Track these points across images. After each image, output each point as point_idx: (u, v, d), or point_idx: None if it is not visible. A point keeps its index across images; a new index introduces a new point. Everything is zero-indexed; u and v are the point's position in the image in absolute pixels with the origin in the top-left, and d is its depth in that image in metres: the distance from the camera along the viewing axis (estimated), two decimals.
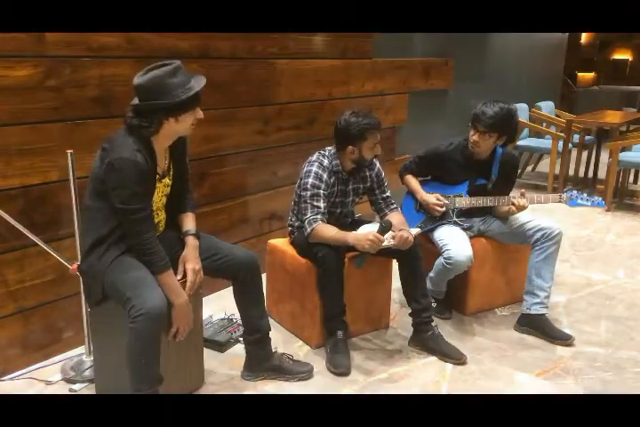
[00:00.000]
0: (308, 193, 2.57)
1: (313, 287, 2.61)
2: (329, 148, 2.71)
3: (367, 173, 2.76)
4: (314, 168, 2.61)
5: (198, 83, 2.03)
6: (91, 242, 2.07)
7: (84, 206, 2.14)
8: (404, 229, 2.56)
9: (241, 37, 3.11)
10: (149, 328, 1.92)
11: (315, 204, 2.56)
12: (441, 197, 2.96)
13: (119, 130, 2.05)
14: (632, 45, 11.54)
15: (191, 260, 2.18)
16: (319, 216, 2.53)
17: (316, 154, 2.69)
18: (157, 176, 2.11)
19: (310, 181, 2.59)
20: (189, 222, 2.27)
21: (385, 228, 2.45)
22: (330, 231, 2.49)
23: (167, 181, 2.19)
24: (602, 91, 10.79)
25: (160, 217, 2.25)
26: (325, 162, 2.64)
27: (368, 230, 2.58)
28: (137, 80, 1.98)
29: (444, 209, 2.95)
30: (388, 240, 2.50)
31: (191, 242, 2.22)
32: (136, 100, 2.02)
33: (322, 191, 2.58)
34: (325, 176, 2.61)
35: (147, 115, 1.98)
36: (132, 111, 2.01)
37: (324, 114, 3.74)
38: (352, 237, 2.45)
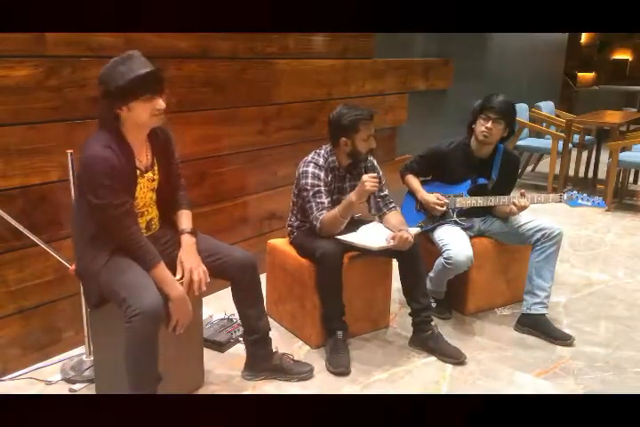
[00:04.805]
0: (310, 193, 2.58)
1: (313, 287, 2.61)
2: (325, 145, 2.71)
3: (364, 171, 2.75)
4: (310, 168, 2.62)
5: (146, 69, 1.96)
6: (82, 244, 2.07)
7: (75, 208, 2.13)
8: (403, 230, 2.57)
9: (241, 37, 3.11)
10: (146, 328, 1.92)
11: (318, 200, 2.56)
12: (441, 197, 2.96)
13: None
14: (632, 45, 11.54)
15: (188, 259, 2.15)
16: (324, 211, 2.54)
17: (312, 154, 2.69)
18: (138, 171, 2.09)
19: (309, 181, 2.59)
20: (185, 220, 2.26)
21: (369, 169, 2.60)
22: (333, 212, 2.51)
23: (151, 175, 2.15)
24: (602, 91, 10.79)
25: (151, 214, 2.22)
26: (321, 161, 2.64)
27: (368, 230, 2.59)
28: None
29: (444, 209, 2.95)
30: (387, 241, 2.51)
31: (187, 240, 2.20)
32: None
33: (322, 188, 2.59)
34: (322, 174, 2.62)
35: (104, 104, 2.00)
36: (99, 102, 2.03)
37: (324, 114, 3.71)
38: (351, 195, 2.50)
